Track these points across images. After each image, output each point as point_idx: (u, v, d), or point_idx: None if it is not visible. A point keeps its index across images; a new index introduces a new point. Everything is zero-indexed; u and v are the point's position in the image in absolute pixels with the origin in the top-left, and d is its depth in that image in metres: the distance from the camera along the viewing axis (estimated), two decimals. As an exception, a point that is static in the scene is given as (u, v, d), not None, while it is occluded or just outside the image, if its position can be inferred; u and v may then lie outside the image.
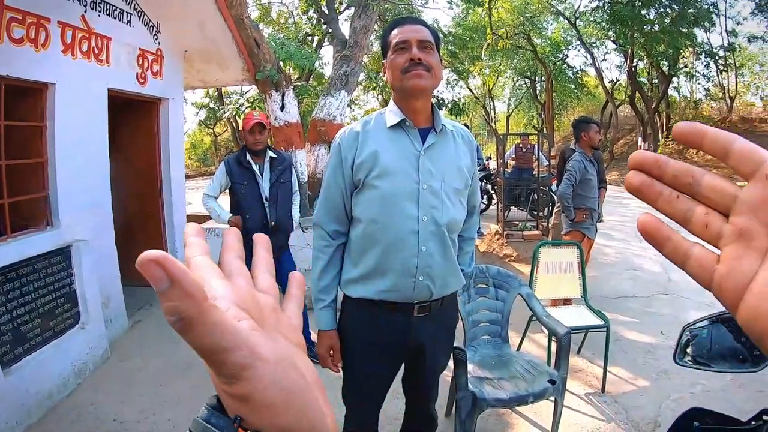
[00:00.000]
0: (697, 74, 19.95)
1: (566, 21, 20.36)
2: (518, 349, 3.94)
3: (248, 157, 3.80)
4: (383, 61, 1.84)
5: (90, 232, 4.10)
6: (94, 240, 4.06)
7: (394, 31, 1.76)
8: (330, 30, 11.01)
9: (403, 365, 2.06)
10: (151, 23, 5.06)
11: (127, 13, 4.67)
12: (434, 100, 10.35)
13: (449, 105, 10.15)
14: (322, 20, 12.69)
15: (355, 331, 1.91)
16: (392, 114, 1.78)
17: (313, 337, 3.09)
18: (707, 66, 19.65)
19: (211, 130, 25.06)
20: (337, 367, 1.93)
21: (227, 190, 3.91)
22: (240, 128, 3.80)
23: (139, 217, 5.56)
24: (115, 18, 4.49)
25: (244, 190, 3.77)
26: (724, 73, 20.39)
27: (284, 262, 3.99)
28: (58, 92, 3.81)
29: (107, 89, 4.44)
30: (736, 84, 21.69)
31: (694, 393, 3.51)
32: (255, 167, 3.80)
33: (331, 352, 1.91)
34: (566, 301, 4.22)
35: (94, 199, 4.30)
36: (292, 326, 0.43)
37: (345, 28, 11.16)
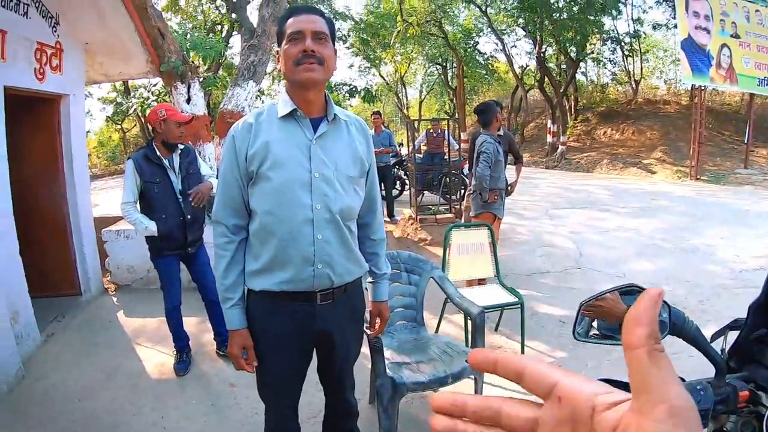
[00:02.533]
0: (604, 60, 21.07)
1: (477, 9, 20.81)
2: (436, 331, 4.05)
3: (158, 152, 3.62)
4: (277, 49, 1.83)
5: (-10, 242, 3.83)
6: (-5, 250, 3.80)
7: (290, 20, 1.75)
8: (238, 19, 10.77)
9: (315, 357, 2.08)
10: (49, 14, 4.74)
11: (24, 3, 4.34)
12: (347, 89, 10.44)
13: (362, 92, 10.19)
14: (230, 9, 12.39)
15: (261, 324, 1.90)
16: (284, 104, 1.78)
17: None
18: (614, 52, 20.76)
19: (119, 126, 23.86)
20: (252, 367, 1.91)
21: None
22: (156, 121, 3.59)
23: (43, 223, 5.23)
24: (10, 9, 4.17)
25: (157, 188, 3.57)
26: (629, 58, 21.61)
27: (200, 256, 3.91)
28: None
29: (3, 87, 4.13)
30: (642, 69, 23.02)
31: (610, 360, 3.69)
32: (165, 162, 3.64)
33: (245, 351, 1.89)
34: (481, 281, 4.35)
35: (-7, 206, 4.02)
36: None
37: (253, 17, 10.97)
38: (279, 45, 1.80)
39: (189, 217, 3.69)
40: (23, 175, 4.89)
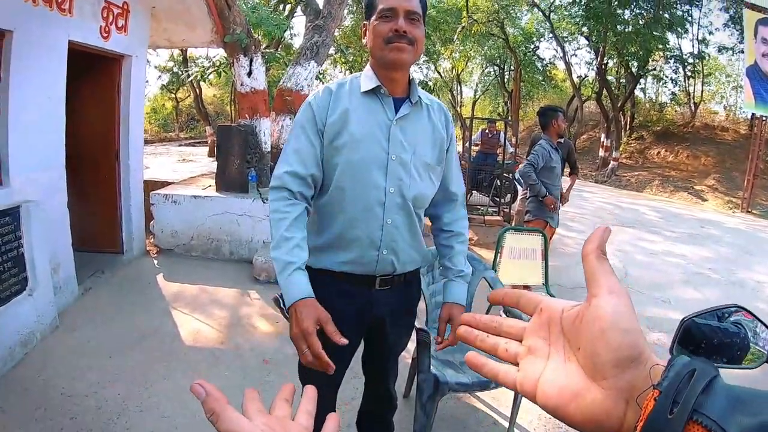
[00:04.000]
0: (665, 78, 20.36)
1: (541, 13, 20.42)
2: (479, 332, 3.94)
3: None
4: (365, 22, 1.73)
5: (41, 193, 3.87)
6: (45, 201, 3.83)
7: None
8: (304, -1, 10.76)
9: (362, 345, 2.00)
10: (119, -27, 4.79)
11: (94, -40, 4.40)
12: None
13: (420, 85, 10.09)
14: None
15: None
16: (367, 79, 1.70)
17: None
18: (675, 71, 20.05)
19: (173, 95, 24.31)
20: (329, 363, 1.49)
21: None
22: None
23: (94, 180, 5.30)
24: (80, -35, 4.21)
25: None
26: (691, 79, 20.86)
27: None
28: (16, 41, 3.54)
29: (68, 41, 4.16)
30: (702, 91, 22.20)
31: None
32: None
33: (318, 327, 1.49)
34: (526, 288, 4.24)
35: (48, 158, 4.06)
36: None
37: (319, -3, 10.93)
38: (367, 18, 1.70)
39: None
40: (80, 130, 4.97)
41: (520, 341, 0.56)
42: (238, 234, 5.58)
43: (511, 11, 20.24)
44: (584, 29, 18.48)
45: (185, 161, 13.52)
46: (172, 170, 10.83)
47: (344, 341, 1.46)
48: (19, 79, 3.62)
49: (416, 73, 25.83)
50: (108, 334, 3.82)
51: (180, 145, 21.07)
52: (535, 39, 22.81)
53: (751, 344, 1.10)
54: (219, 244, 5.62)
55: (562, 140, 4.99)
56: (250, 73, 6.14)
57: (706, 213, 12.68)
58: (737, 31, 17.31)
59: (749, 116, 17.54)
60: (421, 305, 2.20)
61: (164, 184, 6.60)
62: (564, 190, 5.18)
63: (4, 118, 3.57)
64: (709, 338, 1.11)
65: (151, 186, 6.10)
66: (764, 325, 1.11)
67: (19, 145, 3.67)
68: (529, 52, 22.99)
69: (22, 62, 3.62)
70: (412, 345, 2.53)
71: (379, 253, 1.70)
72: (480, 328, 0.60)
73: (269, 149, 6.41)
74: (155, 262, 5.47)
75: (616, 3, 15.91)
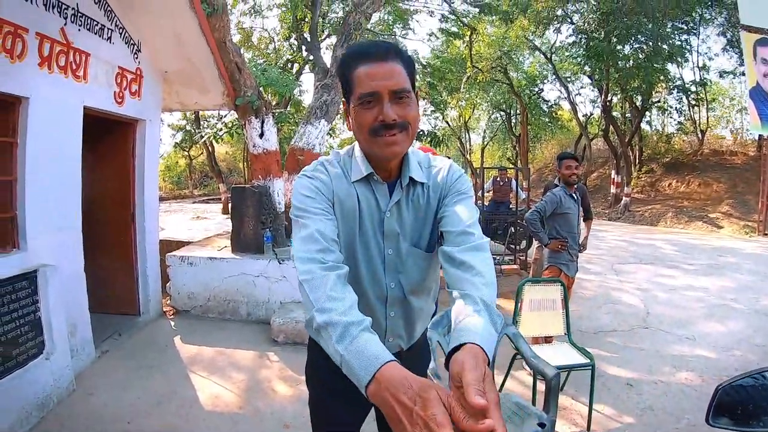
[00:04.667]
0: (670, 108, 20.49)
1: (542, 56, 20.79)
2: (500, 389, 3.85)
3: None
4: (343, 99, 1.50)
5: (58, 256, 3.91)
6: (62, 265, 3.87)
7: (360, 71, 1.37)
8: (312, 58, 11.06)
9: (374, 410, 1.91)
10: (131, 41, 4.96)
11: (108, 29, 4.57)
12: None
13: (428, 137, 10.20)
14: (304, 47, 12.75)
15: (325, 373, 1.65)
16: (359, 164, 1.50)
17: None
18: (679, 101, 20.18)
19: (186, 153, 24.79)
20: None
21: None
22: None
23: (110, 242, 5.36)
24: (95, 33, 4.39)
25: None
26: (695, 107, 20.96)
27: None
28: (32, 107, 3.67)
29: (83, 107, 4.30)
30: (708, 118, 22.32)
31: (678, 428, 3.48)
32: None
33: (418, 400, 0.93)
34: (547, 339, 4.17)
35: (64, 221, 4.13)
36: None
37: (327, 56, 11.24)
38: (344, 95, 1.47)
39: None
40: (96, 193, 5.07)
41: None
42: (254, 295, 5.56)
43: (514, 56, 20.60)
44: (586, 68, 18.78)
45: (199, 219, 13.66)
46: (187, 228, 10.93)
47: None
48: (36, 144, 3.72)
49: (424, 124, 26.11)
50: (125, 398, 3.78)
51: (194, 202, 21.35)
52: (538, 81, 23.17)
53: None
54: (236, 305, 5.61)
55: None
56: (261, 135, 6.25)
57: (722, 240, 12.57)
58: (736, 54, 17.46)
59: (757, 138, 17.52)
60: (442, 362, 2.11)
61: (180, 244, 6.64)
62: (581, 238, 5.10)
63: (22, 182, 3.66)
64: (745, 404, 1.08)
65: (166, 246, 6.14)
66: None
67: (36, 209, 3.74)
68: (534, 95, 23.31)
69: (38, 127, 3.73)
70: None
71: (386, 340, 1.64)
72: None
73: (283, 209, 6.47)
74: (172, 323, 5.45)
75: (615, 40, 16.15)
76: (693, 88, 19.43)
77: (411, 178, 1.51)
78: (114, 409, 3.62)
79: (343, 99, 1.50)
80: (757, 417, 1.03)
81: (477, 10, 12.27)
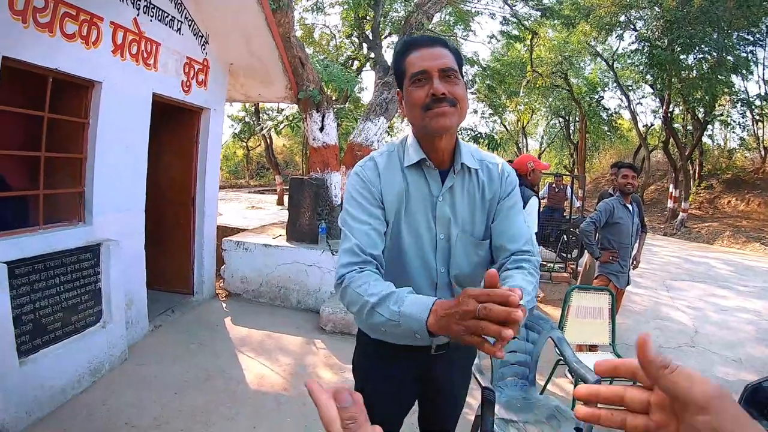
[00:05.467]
0: (733, 123, 19.63)
1: (604, 62, 20.30)
2: (542, 392, 3.83)
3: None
4: (397, 90, 1.59)
5: (121, 233, 4.13)
6: (124, 241, 4.08)
7: (411, 56, 1.49)
8: (373, 55, 11.15)
9: (417, 407, 1.94)
10: (200, 33, 5.16)
11: (178, 20, 4.78)
12: (471, 134, 10.40)
13: (486, 139, 10.14)
14: (366, 45, 12.86)
15: (373, 367, 1.78)
16: (411, 151, 1.56)
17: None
18: (743, 115, 19.34)
19: (244, 144, 25.37)
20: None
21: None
22: (526, 170, 4.56)
23: (171, 224, 5.61)
24: (165, 24, 4.59)
25: None
26: (759, 122, 20.05)
27: None
28: (104, 91, 3.88)
29: (152, 93, 4.51)
30: (772, 134, 21.29)
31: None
32: None
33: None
34: (591, 348, 4.12)
35: (129, 200, 4.35)
36: None
37: (388, 54, 11.31)
38: (399, 85, 1.57)
39: None
40: (160, 177, 5.31)
41: (647, 413, 0.58)
42: (306, 284, 5.69)
43: (575, 62, 20.19)
44: (648, 77, 18.17)
45: (254, 208, 13.94)
46: (243, 217, 11.19)
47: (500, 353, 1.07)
48: (106, 126, 3.94)
49: (482, 127, 25.93)
50: (174, 371, 3.95)
51: (250, 192, 21.80)
52: (599, 89, 22.59)
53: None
54: (287, 293, 5.75)
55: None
56: (322, 128, 6.38)
57: (781, 264, 11.98)
58: None
59: None
60: (487, 362, 2.15)
61: (235, 230, 6.84)
62: (635, 251, 4.98)
63: (91, 161, 3.88)
64: None
65: (222, 232, 6.34)
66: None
67: (103, 187, 3.96)
68: (594, 102, 22.73)
69: (109, 110, 3.95)
70: (476, 401, 2.47)
71: None
72: (601, 401, 0.61)
73: (339, 202, 6.57)
74: (224, 305, 5.64)
75: (678, 49, 15.61)
76: (757, 102, 18.56)
77: (463, 165, 1.57)
78: (163, 380, 3.80)
79: (398, 90, 1.59)
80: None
81: (539, 13, 12.06)
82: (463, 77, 1.52)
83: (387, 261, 1.54)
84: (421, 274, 1.59)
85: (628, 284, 4.72)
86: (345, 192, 1.62)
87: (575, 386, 3.57)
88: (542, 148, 31.96)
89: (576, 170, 22.26)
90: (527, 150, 31.96)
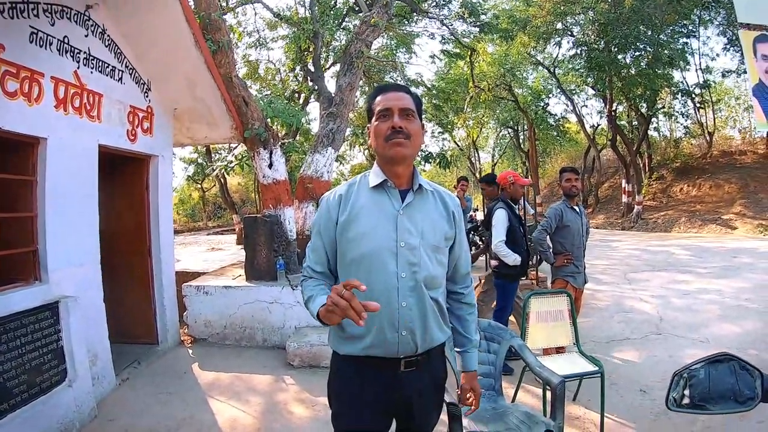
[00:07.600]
0: (676, 113, 20.46)
1: (546, 70, 20.93)
2: (513, 400, 3.91)
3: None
4: (368, 125, 1.94)
5: (78, 288, 4.08)
6: (82, 296, 4.03)
7: (378, 98, 1.87)
8: (316, 87, 11.26)
9: (394, 426, 2.01)
10: (142, 81, 5.18)
11: (119, 70, 4.80)
12: (422, 154, 10.55)
13: (437, 158, 10.29)
14: (309, 78, 12.97)
15: (343, 387, 1.90)
16: (375, 176, 1.88)
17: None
18: (685, 104, 20.16)
19: (199, 186, 25.12)
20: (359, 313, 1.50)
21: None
22: (506, 183, 4.95)
23: (128, 274, 5.52)
24: (106, 75, 4.61)
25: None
26: (701, 110, 20.92)
27: None
28: (50, 147, 3.87)
29: (98, 145, 4.50)
30: (714, 119, 22.29)
31: (694, 431, 3.50)
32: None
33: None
34: (559, 350, 4.20)
35: (84, 254, 4.30)
36: None
37: (331, 85, 11.44)
38: (369, 120, 1.92)
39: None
40: (113, 227, 5.25)
41: None
42: (269, 321, 5.67)
43: (517, 73, 20.69)
44: (589, 79, 18.89)
45: (214, 250, 13.75)
46: (203, 260, 11.05)
47: (361, 320, 1.48)
48: (54, 181, 3.91)
49: (433, 146, 26.26)
50: (145, 423, 3.89)
51: (208, 234, 21.49)
52: (543, 96, 23.23)
53: (741, 388, 1.16)
54: (252, 332, 5.72)
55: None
56: (270, 165, 6.42)
57: (737, 242, 12.54)
58: (738, 52, 17.47)
59: (765, 135, 17.58)
60: (452, 379, 2.22)
61: (195, 275, 6.77)
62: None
63: (42, 217, 3.84)
64: (701, 389, 1.17)
65: (182, 277, 6.27)
66: (753, 368, 1.18)
67: (56, 243, 3.92)
68: (540, 109, 23.35)
69: (55, 166, 3.93)
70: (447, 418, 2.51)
71: (398, 334, 1.79)
72: None
73: (295, 237, 6.61)
74: (190, 351, 5.57)
75: (615, 50, 16.23)
76: (697, 91, 19.41)
77: (421, 185, 1.90)
78: (134, 433, 3.72)
79: (367, 125, 1.97)
80: (713, 400, 1.12)
81: (477, 30, 12.40)
82: (421, 119, 1.93)
83: (353, 265, 1.83)
84: (383, 278, 1.79)
85: (585, 283, 4.85)
86: (313, 221, 2.02)
87: (543, 389, 3.65)
88: (495, 160, 32.54)
89: (530, 177, 22.72)
90: (480, 164, 32.48)
